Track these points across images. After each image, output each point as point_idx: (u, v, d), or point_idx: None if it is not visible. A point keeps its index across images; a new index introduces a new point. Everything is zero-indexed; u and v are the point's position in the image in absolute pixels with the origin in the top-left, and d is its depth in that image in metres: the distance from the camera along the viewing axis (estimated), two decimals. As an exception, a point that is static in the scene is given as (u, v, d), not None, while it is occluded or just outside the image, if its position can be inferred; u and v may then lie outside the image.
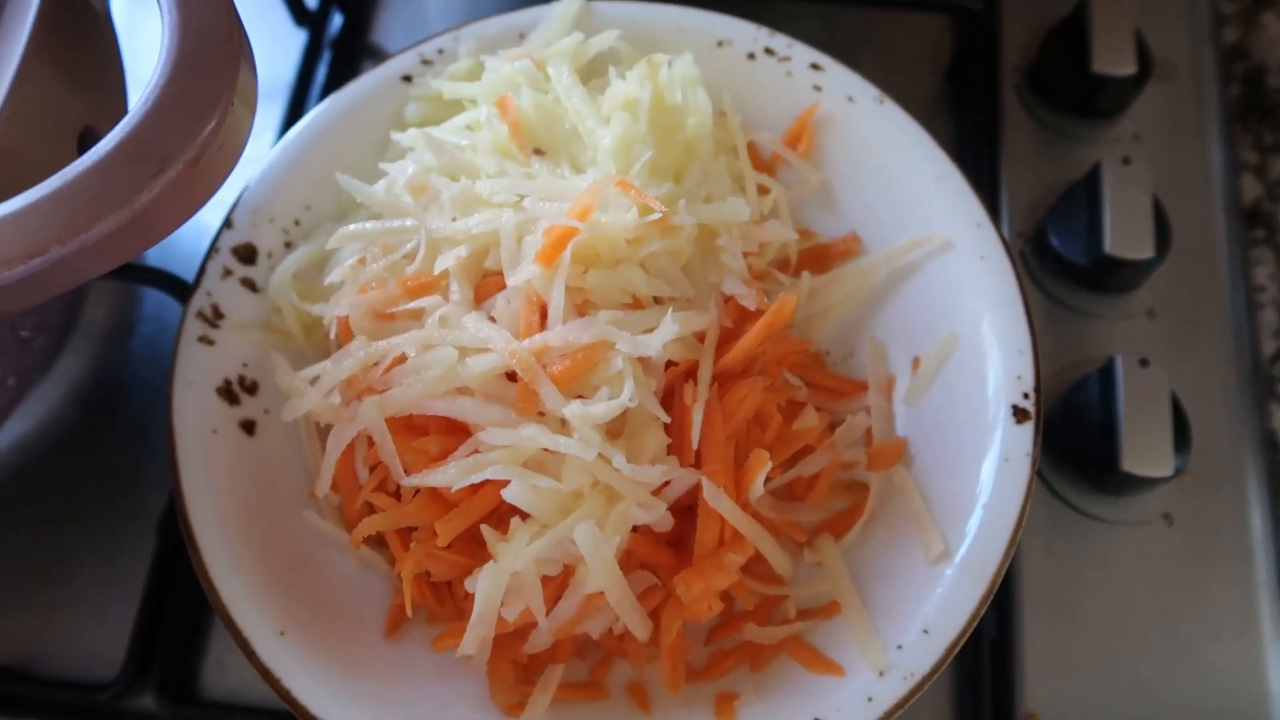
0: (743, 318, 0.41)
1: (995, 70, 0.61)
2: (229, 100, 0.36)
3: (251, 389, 0.46)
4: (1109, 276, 0.54)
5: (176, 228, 0.35)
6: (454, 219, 0.41)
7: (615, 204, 0.39)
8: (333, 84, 0.64)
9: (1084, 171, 0.56)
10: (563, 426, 0.37)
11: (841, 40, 0.64)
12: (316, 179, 0.48)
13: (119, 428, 0.56)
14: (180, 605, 0.50)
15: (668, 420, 0.38)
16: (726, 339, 0.41)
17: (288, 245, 0.48)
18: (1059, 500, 0.52)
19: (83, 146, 0.41)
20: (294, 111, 0.63)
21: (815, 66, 0.49)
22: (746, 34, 0.49)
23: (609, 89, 0.44)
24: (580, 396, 0.37)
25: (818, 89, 0.49)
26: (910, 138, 0.47)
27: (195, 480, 0.41)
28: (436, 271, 0.40)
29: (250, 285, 0.47)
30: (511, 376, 0.38)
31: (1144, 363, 0.50)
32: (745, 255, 0.43)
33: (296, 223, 0.48)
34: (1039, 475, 0.52)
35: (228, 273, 0.46)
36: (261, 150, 0.61)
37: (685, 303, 0.40)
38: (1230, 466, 0.53)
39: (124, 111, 0.45)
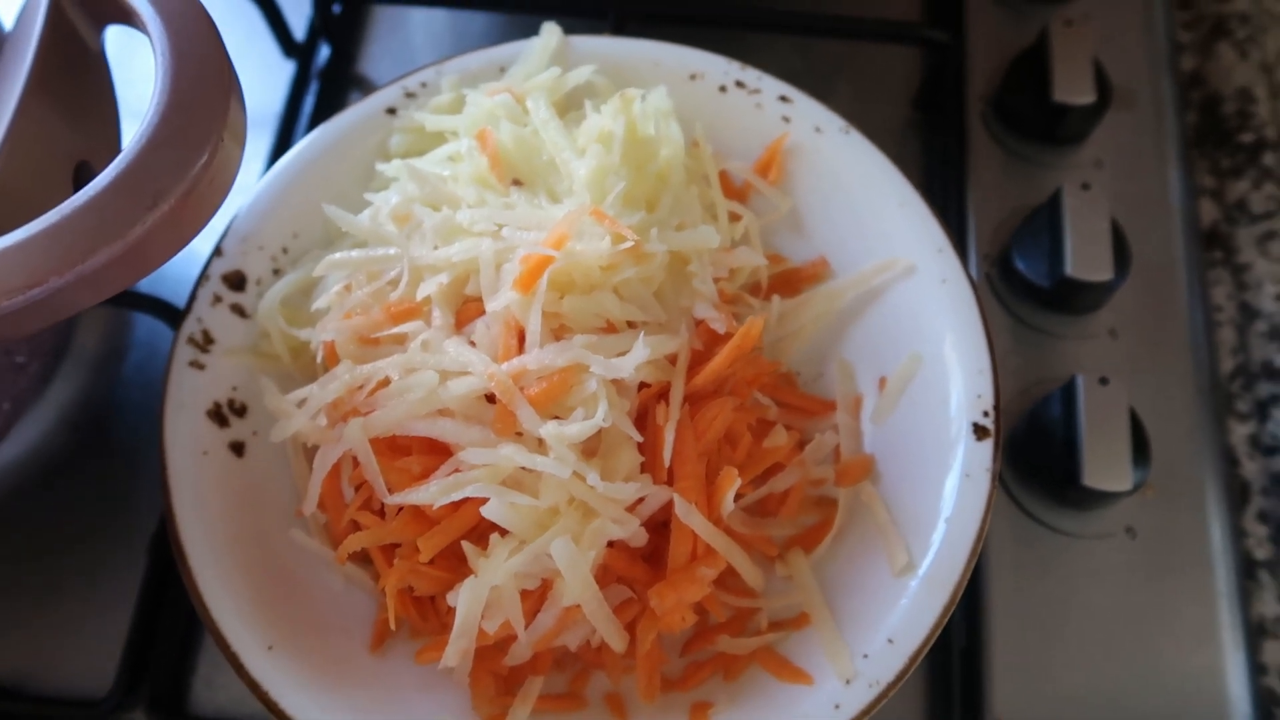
0: (713, 340, 0.43)
1: (962, 99, 0.63)
2: (219, 136, 0.37)
3: (241, 411, 0.47)
4: (1071, 297, 0.56)
5: (169, 258, 0.37)
6: (435, 247, 0.43)
7: (590, 233, 0.41)
8: (320, 114, 0.66)
9: (1048, 196, 0.59)
10: (540, 446, 0.39)
11: (815, 70, 0.67)
12: (304, 208, 0.50)
13: (110, 451, 0.57)
14: (171, 624, 0.51)
15: (640, 439, 0.40)
16: (698, 361, 0.42)
17: (276, 272, 0.50)
18: (1025, 514, 0.54)
19: (78, 181, 0.42)
20: (282, 141, 0.65)
21: (784, 99, 0.51)
22: (718, 67, 0.51)
23: (585, 122, 0.46)
24: (556, 417, 0.39)
25: (786, 120, 0.51)
26: (875, 166, 0.49)
27: (186, 500, 0.43)
28: (419, 298, 0.42)
29: (240, 311, 0.48)
30: (490, 398, 0.40)
31: (1104, 381, 0.52)
32: (717, 280, 0.45)
33: (285, 250, 0.50)
34: (1005, 491, 0.54)
35: (218, 299, 0.48)
36: (251, 180, 0.63)
37: (658, 327, 0.42)
38: (1190, 480, 0.55)
39: (118, 146, 0.47)
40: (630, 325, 0.42)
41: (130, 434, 0.58)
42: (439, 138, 0.49)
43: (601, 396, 0.38)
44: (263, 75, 0.68)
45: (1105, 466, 0.50)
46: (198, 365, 0.47)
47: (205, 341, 0.47)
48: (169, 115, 0.36)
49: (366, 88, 0.69)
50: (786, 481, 0.45)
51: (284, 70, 0.67)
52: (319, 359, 0.45)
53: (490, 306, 0.40)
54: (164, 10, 0.39)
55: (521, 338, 0.40)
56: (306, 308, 0.48)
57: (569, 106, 0.50)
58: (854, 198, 0.49)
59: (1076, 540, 0.53)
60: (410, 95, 0.52)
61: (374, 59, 0.69)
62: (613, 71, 0.51)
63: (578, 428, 0.38)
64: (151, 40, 0.39)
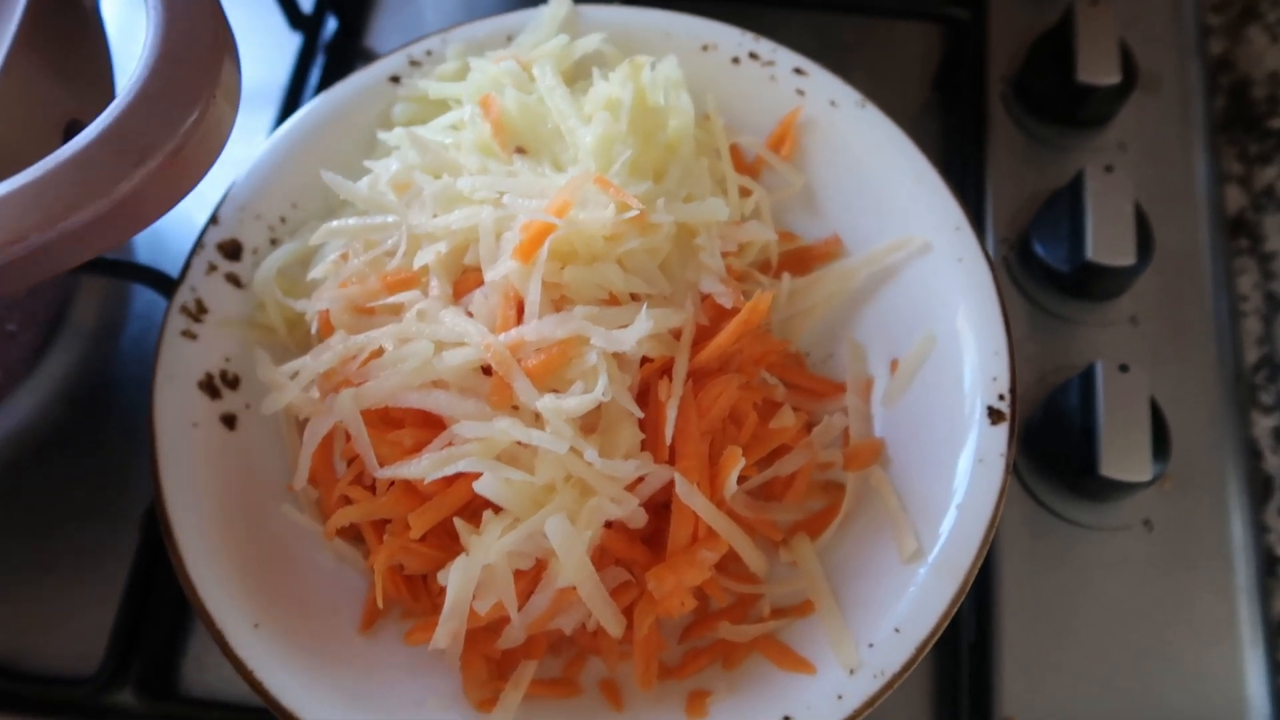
0: (720, 316, 0.42)
1: (982, 79, 0.61)
2: (211, 93, 0.36)
3: (233, 383, 0.46)
4: (1092, 283, 0.55)
5: (158, 218, 0.36)
6: (435, 215, 0.42)
7: (594, 201, 0.39)
8: (326, 87, 0.65)
9: (1069, 180, 0.57)
10: (536, 420, 0.37)
11: (832, 48, 0.65)
12: (303, 177, 0.49)
13: (106, 425, 0.56)
14: (161, 602, 0.50)
15: (641, 416, 0.38)
16: (703, 337, 0.41)
17: (273, 242, 0.48)
18: (1040, 505, 0.52)
19: (68, 139, 0.41)
20: (288, 114, 0.63)
21: (799, 71, 0.49)
22: (731, 38, 0.50)
23: (592, 89, 0.44)
24: (555, 390, 0.38)
25: (801, 93, 0.49)
26: (891, 141, 0.47)
27: (175, 474, 0.41)
28: (416, 267, 0.40)
29: (235, 281, 0.47)
30: (487, 370, 0.38)
31: (1124, 368, 0.50)
32: (726, 256, 0.44)
33: (283, 220, 0.49)
34: (1019, 480, 0.53)
35: (212, 268, 0.47)
36: (254, 152, 0.62)
37: (662, 300, 0.41)
38: (1211, 473, 0.53)
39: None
40: (634, 298, 0.40)
41: (126, 408, 0.57)
42: (443, 106, 0.48)
43: (601, 370, 0.37)
44: (269, 48, 0.67)
45: (1124, 456, 0.48)
46: (190, 335, 0.45)
47: (199, 311, 0.46)
48: (159, 69, 0.35)
49: (373, 60, 0.67)
50: (793, 464, 0.43)
51: (290, 43, 0.66)
52: (314, 330, 0.43)
53: (489, 276, 0.39)
54: (157, -37, 0.38)
55: (520, 308, 0.39)
56: (304, 279, 0.47)
57: (577, 76, 0.49)
58: (869, 174, 0.48)
59: (1092, 532, 0.51)
60: (415, 63, 0.51)
61: (382, 32, 0.68)
62: (622, 41, 0.50)
63: (576, 401, 0.36)
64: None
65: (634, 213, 0.39)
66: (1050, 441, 0.52)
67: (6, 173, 0.35)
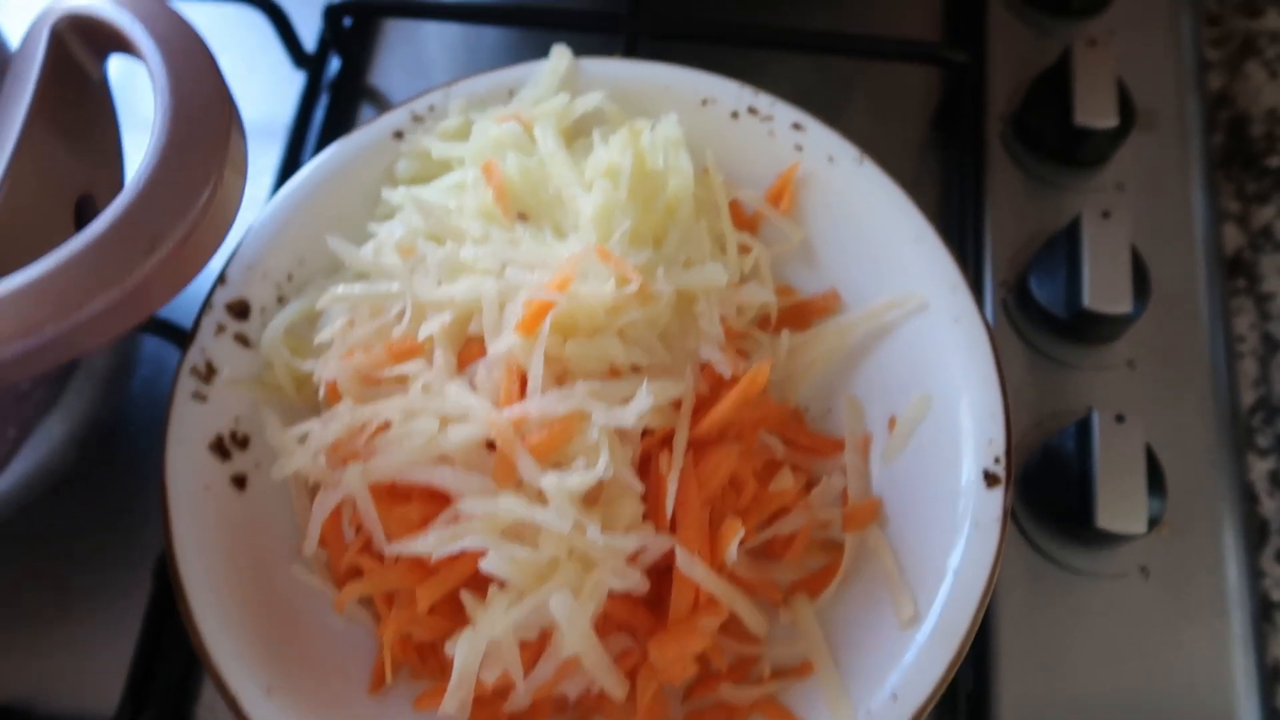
0: (719, 383, 0.42)
1: (981, 119, 0.61)
2: (220, 174, 0.37)
3: (243, 443, 0.47)
4: (1089, 329, 0.55)
5: (169, 300, 0.36)
6: (439, 283, 0.42)
7: (595, 273, 0.40)
8: (330, 125, 0.66)
9: (1068, 219, 0.58)
10: (540, 496, 0.38)
11: (831, 86, 0.65)
12: (309, 234, 0.49)
13: (117, 467, 0.57)
14: (175, 647, 0.51)
15: (643, 490, 0.39)
16: (703, 405, 0.42)
17: (280, 300, 0.49)
18: (1037, 552, 0.53)
19: (80, 215, 0.42)
20: (292, 152, 0.64)
21: (797, 126, 0.50)
22: (730, 93, 0.50)
23: (592, 154, 0.45)
24: (558, 465, 0.38)
25: (799, 148, 0.50)
26: (889, 198, 0.48)
27: (187, 539, 0.42)
28: (421, 338, 0.41)
29: (243, 340, 0.48)
30: (492, 444, 0.39)
31: (1120, 419, 0.51)
32: (724, 318, 0.44)
33: (290, 277, 0.49)
34: (1016, 525, 0.53)
35: (221, 329, 0.47)
36: (260, 193, 0.63)
37: (662, 370, 0.41)
38: (1207, 518, 0.54)
39: (121, 177, 0.47)
40: (635, 369, 0.41)
41: (137, 452, 0.58)
42: (446, 165, 0.49)
43: (603, 446, 0.38)
44: (273, 85, 0.67)
45: (1120, 509, 0.49)
46: (200, 397, 0.46)
47: (208, 372, 0.47)
48: (168, 156, 0.36)
49: (378, 99, 0.68)
50: (792, 525, 0.44)
51: (294, 81, 0.67)
52: (321, 395, 0.44)
53: (492, 350, 0.40)
54: (163, 43, 0.38)
55: (523, 382, 0.39)
56: (311, 336, 0.48)
57: (578, 133, 0.49)
58: (867, 230, 0.48)
59: (1089, 579, 0.52)
60: (418, 119, 0.51)
61: (385, 70, 0.68)
62: (622, 96, 0.50)
63: (579, 479, 0.37)
64: (151, 73, 0.38)
65: (634, 287, 0.39)
66: (1047, 489, 0.52)
67: (20, 250, 0.36)
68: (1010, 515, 0.50)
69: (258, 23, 0.64)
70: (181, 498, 0.44)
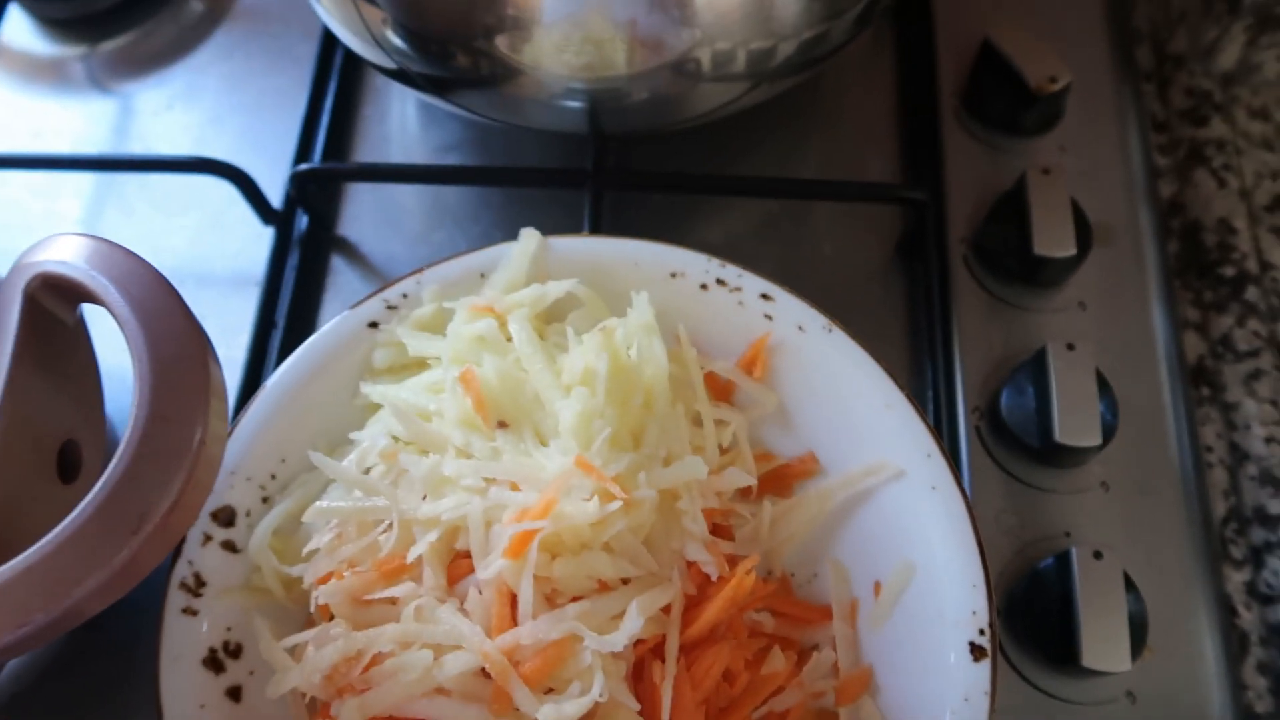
0: (707, 580, 0.43)
1: (943, 248, 0.63)
2: (204, 430, 0.37)
3: (236, 653, 0.47)
4: (1062, 457, 0.56)
5: (154, 569, 0.37)
6: (424, 497, 0.43)
7: (578, 488, 0.41)
8: (304, 278, 0.66)
9: (1035, 341, 0.59)
10: (536, 723, 0.39)
11: (795, 214, 0.66)
12: (290, 433, 0.50)
13: (106, 651, 0.57)
14: None
15: (638, 707, 0.40)
16: (692, 604, 0.42)
17: (265, 500, 0.49)
18: (1025, 682, 0.54)
19: (63, 462, 0.42)
20: (267, 305, 0.65)
21: (765, 296, 0.51)
22: (698, 265, 0.51)
23: (568, 356, 0.45)
24: (552, 690, 0.39)
25: (769, 318, 0.51)
26: (858, 366, 0.49)
27: (187, 768, 0.43)
28: (410, 559, 0.42)
29: (230, 547, 0.48)
30: (487, 672, 0.40)
31: (1098, 555, 0.52)
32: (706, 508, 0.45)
33: (273, 476, 0.50)
34: (1003, 656, 0.54)
35: (208, 538, 0.48)
36: (238, 353, 0.63)
37: (650, 577, 0.42)
38: (1188, 635, 0.55)
39: (102, 414, 0.47)
40: (623, 581, 0.42)
41: (127, 634, 0.58)
42: (422, 361, 0.49)
43: (596, 669, 0.38)
44: (244, 239, 0.68)
45: (1104, 648, 0.50)
46: (191, 611, 0.46)
47: (197, 585, 0.47)
48: (149, 428, 0.36)
49: (348, 249, 0.68)
50: (786, 702, 0.45)
51: (264, 234, 0.67)
52: (313, 609, 0.45)
53: (481, 574, 0.40)
54: (135, 302, 0.39)
55: (514, 603, 0.40)
56: (298, 536, 0.48)
57: (551, 317, 0.50)
58: (840, 396, 0.49)
59: (1077, 708, 0.53)
60: (391, 307, 0.52)
61: (355, 220, 0.69)
62: (592, 272, 0.51)
63: (574, 706, 0.38)
64: (125, 333, 0.39)
65: (618, 504, 0.40)
66: (1032, 622, 0.53)
67: (6, 498, 0.36)
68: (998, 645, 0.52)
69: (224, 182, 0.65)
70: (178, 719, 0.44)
